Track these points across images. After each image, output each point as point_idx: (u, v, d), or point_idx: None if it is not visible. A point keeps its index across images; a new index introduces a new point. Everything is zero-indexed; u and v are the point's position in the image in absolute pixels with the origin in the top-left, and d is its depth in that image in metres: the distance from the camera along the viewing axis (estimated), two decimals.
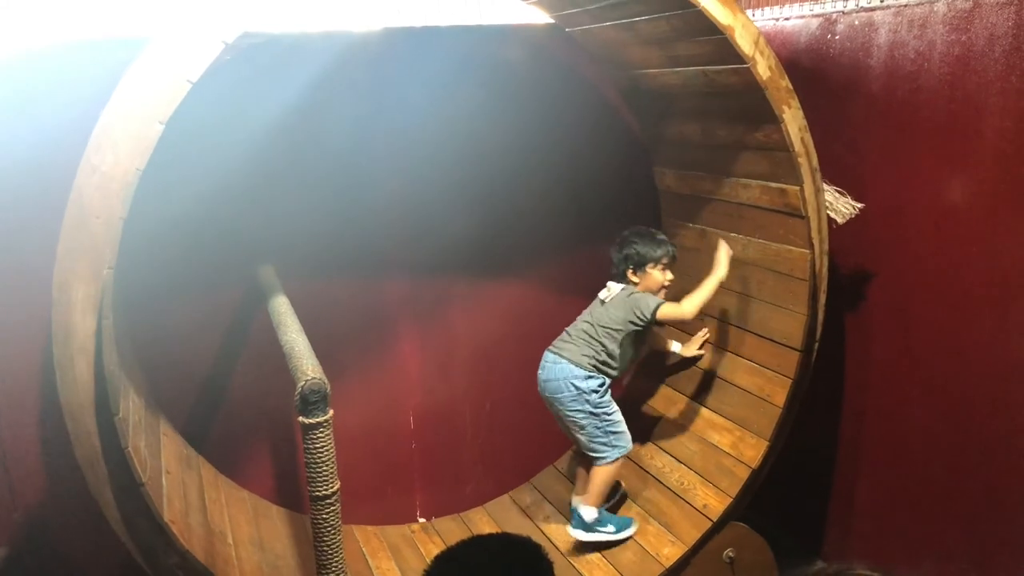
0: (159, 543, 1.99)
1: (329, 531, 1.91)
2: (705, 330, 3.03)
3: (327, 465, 1.86)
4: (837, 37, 2.66)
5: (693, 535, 2.67)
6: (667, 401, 3.11)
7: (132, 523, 1.99)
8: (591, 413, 2.68)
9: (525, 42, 3.03)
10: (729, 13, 2.26)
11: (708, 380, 2.96)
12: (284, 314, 2.30)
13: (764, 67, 2.35)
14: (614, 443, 2.71)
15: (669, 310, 2.66)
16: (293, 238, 2.83)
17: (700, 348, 3.04)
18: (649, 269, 2.74)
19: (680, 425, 2.98)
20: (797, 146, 2.43)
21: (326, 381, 1.83)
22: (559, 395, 2.69)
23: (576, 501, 2.81)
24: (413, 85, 2.87)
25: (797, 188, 2.48)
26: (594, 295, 2.79)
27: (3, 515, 2.66)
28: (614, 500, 2.93)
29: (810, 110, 2.47)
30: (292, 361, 1.94)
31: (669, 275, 2.77)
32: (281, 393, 2.55)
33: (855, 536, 2.91)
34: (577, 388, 2.66)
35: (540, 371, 2.77)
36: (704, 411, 2.94)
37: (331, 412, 1.84)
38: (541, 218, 3.16)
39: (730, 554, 2.63)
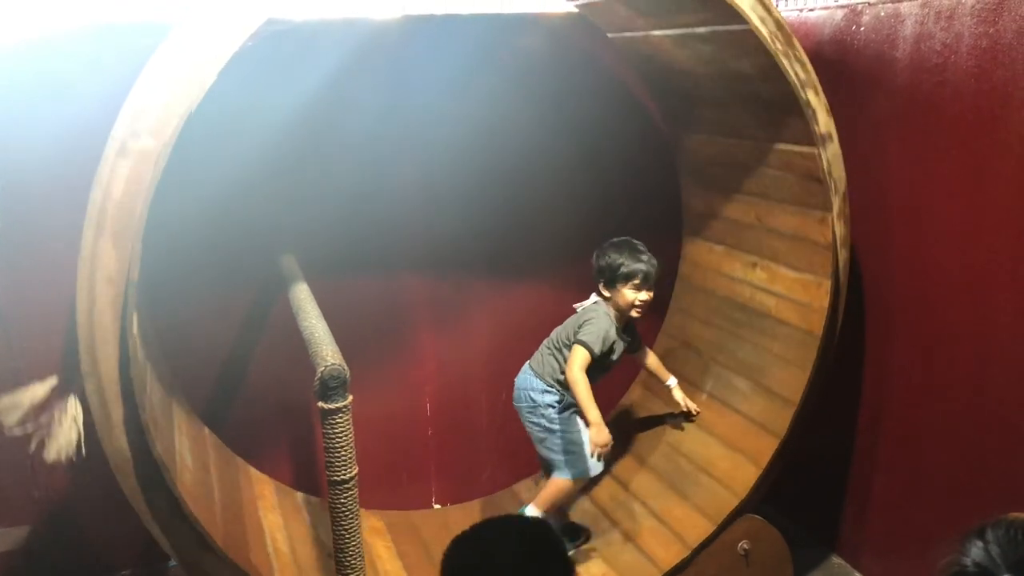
0: (183, 530, 2.01)
1: (347, 515, 1.93)
2: (695, 408, 2.90)
3: (346, 450, 1.87)
4: (862, 29, 2.63)
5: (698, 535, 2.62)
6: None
7: (159, 514, 2.01)
8: (547, 428, 2.61)
9: (548, 31, 3.01)
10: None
11: (723, 379, 2.93)
12: (304, 301, 2.31)
13: (812, 94, 2.35)
14: (573, 463, 2.59)
15: (578, 360, 2.47)
16: (313, 227, 2.84)
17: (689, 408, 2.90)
18: (620, 286, 2.54)
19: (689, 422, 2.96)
20: (834, 171, 2.41)
21: (345, 367, 1.84)
22: (519, 404, 2.68)
23: (528, 506, 2.66)
24: (433, 74, 2.86)
25: (827, 214, 2.45)
26: None
27: (24, 493, 2.70)
28: (579, 540, 2.80)
29: (832, 104, 2.45)
30: (312, 347, 1.96)
31: (643, 295, 2.54)
32: (300, 379, 2.56)
33: (870, 531, 2.91)
34: (533, 401, 2.62)
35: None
36: (715, 405, 2.91)
37: (350, 398, 1.86)
38: (560, 209, 3.15)
39: (745, 546, 2.63)
